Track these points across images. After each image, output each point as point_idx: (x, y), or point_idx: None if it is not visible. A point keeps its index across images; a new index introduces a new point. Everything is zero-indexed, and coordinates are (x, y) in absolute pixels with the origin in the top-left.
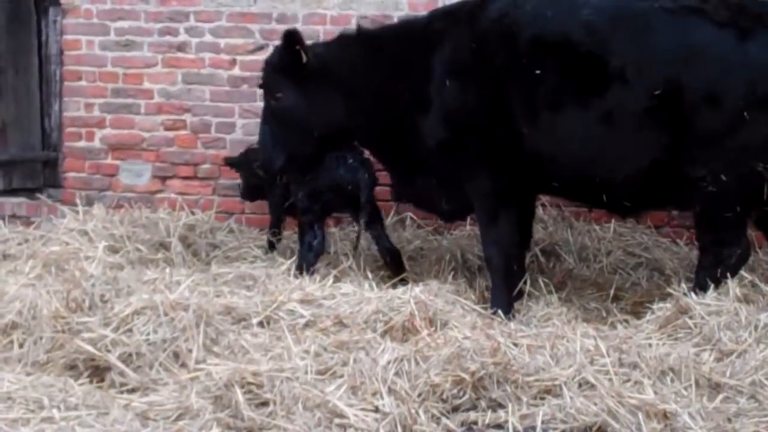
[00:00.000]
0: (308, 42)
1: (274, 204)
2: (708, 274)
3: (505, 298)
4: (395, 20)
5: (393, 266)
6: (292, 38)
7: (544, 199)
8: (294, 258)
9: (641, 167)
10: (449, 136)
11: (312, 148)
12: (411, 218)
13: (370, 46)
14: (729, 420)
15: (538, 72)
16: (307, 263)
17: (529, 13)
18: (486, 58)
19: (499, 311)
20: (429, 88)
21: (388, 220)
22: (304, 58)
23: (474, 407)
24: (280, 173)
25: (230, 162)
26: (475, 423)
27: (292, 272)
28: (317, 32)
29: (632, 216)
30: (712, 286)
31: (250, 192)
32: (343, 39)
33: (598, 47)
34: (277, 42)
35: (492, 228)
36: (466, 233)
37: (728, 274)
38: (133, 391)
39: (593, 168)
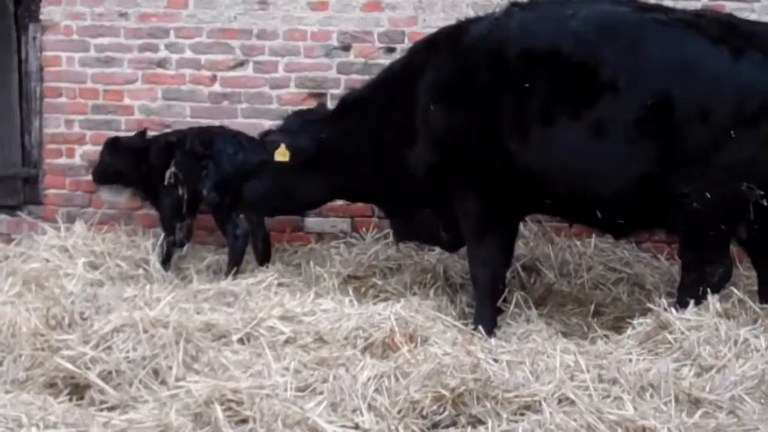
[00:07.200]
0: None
1: (169, 208)
2: (690, 293)
3: (489, 316)
4: (375, 37)
5: (263, 254)
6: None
7: None
8: (273, 273)
9: (631, 181)
10: (437, 160)
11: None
12: None
13: (355, 116)
14: None
15: (527, 86)
16: (239, 251)
17: (514, 30)
18: (469, 78)
19: (481, 328)
20: (414, 120)
21: (368, 236)
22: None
23: (454, 423)
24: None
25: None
26: None
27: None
28: (297, 47)
29: (626, 236)
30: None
31: (100, 175)
32: (332, 115)
33: (589, 58)
34: (258, 57)
35: (480, 248)
36: None
37: (710, 293)
38: (112, 408)
39: (584, 182)
